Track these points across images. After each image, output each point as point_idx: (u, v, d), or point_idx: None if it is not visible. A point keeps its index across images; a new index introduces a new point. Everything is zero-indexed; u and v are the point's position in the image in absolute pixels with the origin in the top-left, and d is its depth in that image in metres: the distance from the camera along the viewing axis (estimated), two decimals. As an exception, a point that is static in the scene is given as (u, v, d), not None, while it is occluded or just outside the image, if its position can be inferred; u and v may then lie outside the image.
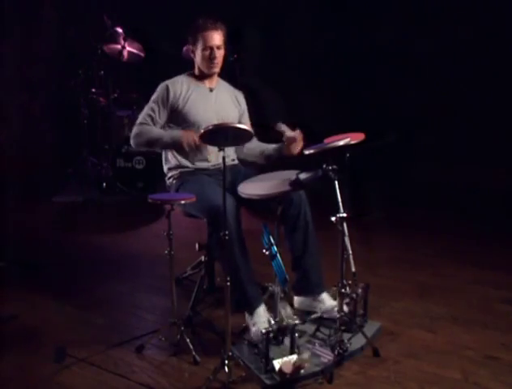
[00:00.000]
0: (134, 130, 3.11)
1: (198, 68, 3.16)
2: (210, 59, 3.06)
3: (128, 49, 5.56)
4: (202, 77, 3.17)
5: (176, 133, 3.05)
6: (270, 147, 3.18)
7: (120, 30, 5.56)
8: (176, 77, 3.19)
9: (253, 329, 2.72)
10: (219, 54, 3.07)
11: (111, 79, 5.60)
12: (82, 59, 5.95)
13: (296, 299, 3.05)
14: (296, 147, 3.01)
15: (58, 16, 6.41)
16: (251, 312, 2.79)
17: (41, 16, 6.33)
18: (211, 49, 3.04)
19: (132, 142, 3.12)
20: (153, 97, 3.14)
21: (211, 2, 6.07)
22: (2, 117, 6.14)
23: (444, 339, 2.87)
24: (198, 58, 3.11)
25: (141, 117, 3.13)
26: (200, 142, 2.76)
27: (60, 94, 6.37)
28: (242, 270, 2.76)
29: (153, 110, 3.10)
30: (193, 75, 3.20)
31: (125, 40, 5.52)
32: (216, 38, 3.04)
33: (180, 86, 3.12)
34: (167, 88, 3.10)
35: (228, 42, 3.13)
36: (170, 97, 3.09)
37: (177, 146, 3.05)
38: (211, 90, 3.19)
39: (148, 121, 3.09)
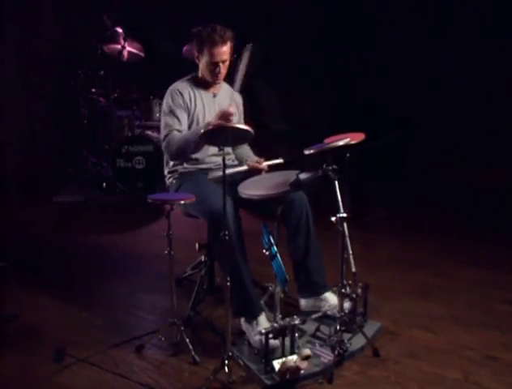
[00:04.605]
0: (163, 144, 3.00)
1: (202, 74, 3.10)
2: (214, 73, 3.01)
3: (128, 49, 5.56)
4: (205, 82, 3.11)
5: (199, 127, 2.92)
6: (252, 159, 3.15)
7: (120, 30, 5.56)
8: (180, 83, 3.11)
9: (255, 338, 2.71)
10: (225, 67, 3.02)
11: (111, 79, 5.60)
12: (82, 59, 5.95)
13: (302, 301, 3.04)
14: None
15: (58, 16, 6.40)
16: (251, 320, 2.77)
17: (41, 16, 6.32)
18: (217, 64, 2.97)
19: (168, 157, 3.06)
20: (168, 105, 3.03)
21: (210, 3, 6.08)
22: (2, 117, 6.13)
23: (444, 339, 2.87)
24: (202, 67, 3.05)
25: (165, 130, 2.99)
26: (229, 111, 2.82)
27: (60, 94, 6.37)
28: (245, 275, 2.76)
29: (176, 116, 3.00)
30: (196, 80, 3.13)
31: (125, 40, 5.52)
32: (223, 53, 2.95)
33: (187, 93, 3.07)
34: (180, 93, 3.03)
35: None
36: (186, 101, 3.04)
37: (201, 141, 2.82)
38: (214, 95, 3.15)
39: (175, 129, 2.96)
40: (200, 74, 3.11)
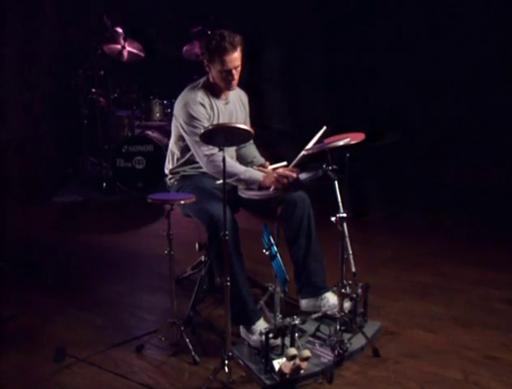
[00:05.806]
0: (205, 160, 2.91)
1: (214, 80, 3.02)
2: (228, 80, 2.93)
3: (128, 49, 5.56)
4: (217, 87, 3.02)
5: (256, 176, 2.81)
6: (258, 161, 3.14)
7: (120, 30, 5.55)
8: (196, 93, 3.00)
9: (254, 337, 2.72)
10: (237, 73, 2.94)
11: (111, 79, 5.60)
12: (82, 59, 5.95)
13: (302, 302, 3.05)
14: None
15: (58, 16, 6.40)
16: (249, 327, 2.77)
17: (41, 16, 6.32)
18: (230, 71, 2.90)
19: (207, 171, 2.98)
20: (193, 118, 2.93)
21: (209, 3, 6.08)
22: (2, 117, 6.13)
23: (444, 339, 2.87)
24: (214, 75, 2.97)
25: (202, 145, 2.85)
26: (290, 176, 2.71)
27: (60, 94, 6.37)
28: (241, 283, 2.75)
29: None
30: (209, 86, 3.04)
31: (125, 40, 5.52)
32: (235, 59, 2.88)
33: (208, 104, 3.00)
34: (202, 105, 2.96)
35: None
36: (209, 112, 2.99)
37: (250, 186, 2.83)
38: (226, 103, 3.10)
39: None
40: (212, 80, 3.03)
